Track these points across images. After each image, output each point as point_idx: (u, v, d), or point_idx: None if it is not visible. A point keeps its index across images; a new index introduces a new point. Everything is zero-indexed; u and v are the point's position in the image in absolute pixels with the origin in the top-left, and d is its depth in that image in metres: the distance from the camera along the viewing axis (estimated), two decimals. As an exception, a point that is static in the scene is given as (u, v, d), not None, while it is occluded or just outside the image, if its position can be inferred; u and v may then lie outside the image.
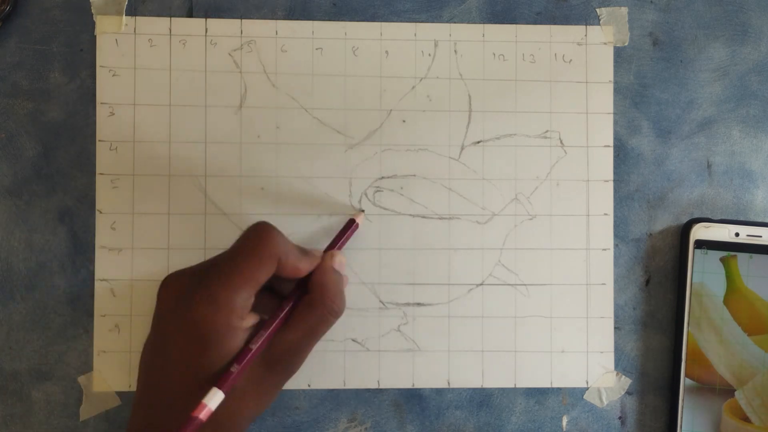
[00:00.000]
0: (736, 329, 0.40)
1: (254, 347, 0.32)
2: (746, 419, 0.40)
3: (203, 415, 0.30)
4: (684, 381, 0.41)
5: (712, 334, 0.40)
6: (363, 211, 0.41)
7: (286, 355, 0.34)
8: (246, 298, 0.32)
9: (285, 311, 0.34)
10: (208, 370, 0.32)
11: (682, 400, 0.41)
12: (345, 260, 0.37)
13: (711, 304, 0.41)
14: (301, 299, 0.35)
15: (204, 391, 0.31)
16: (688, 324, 0.41)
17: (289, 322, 0.34)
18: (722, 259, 0.41)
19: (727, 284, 0.41)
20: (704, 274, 0.41)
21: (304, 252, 0.35)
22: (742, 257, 0.41)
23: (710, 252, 0.41)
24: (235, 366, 0.32)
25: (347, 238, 0.39)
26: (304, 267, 0.35)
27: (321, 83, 0.41)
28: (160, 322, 0.34)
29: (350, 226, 0.39)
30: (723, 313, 0.40)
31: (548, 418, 0.42)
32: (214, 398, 0.31)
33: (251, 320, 0.33)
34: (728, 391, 0.41)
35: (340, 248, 0.38)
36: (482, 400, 0.41)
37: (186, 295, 0.32)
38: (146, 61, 0.41)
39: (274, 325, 0.34)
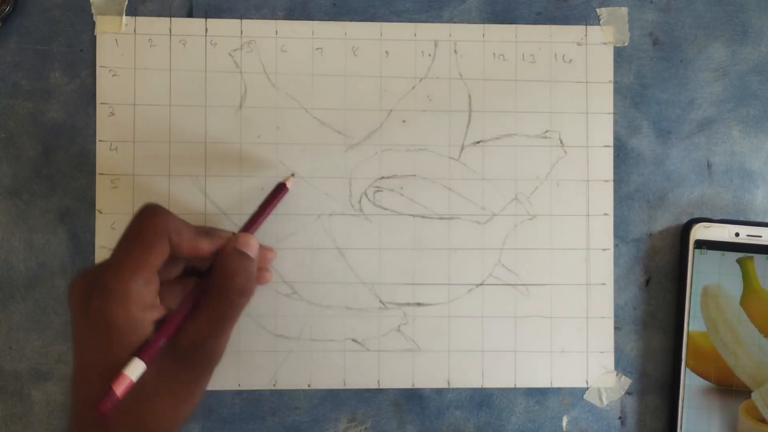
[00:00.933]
0: (753, 330, 0.40)
1: (162, 338, 0.31)
2: (763, 420, 0.40)
3: (124, 386, 0.30)
4: (684, 381, 0.41)
5: (728, 336, 0.40)
6: (293, 175, 0.40)
7: (195, 345, 0.32)
8: (142, 285, 0.31)
9: (189, 298, 0.33)
10: (115, 361, 0.31)
11: (682, 400, 0.41)
12: (254, 242, 0.34)
13: (728, 305, 0.40)
14: (206, 285, 0.33)
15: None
16: (688, 324, 0.41)
17: (198, 311, 0.33)
18: (739, 261, 0.41)
19: (744, 286, 0.41)
20: (721, 276, 0.41)
21: (205, 232, 0.34)
22: (759, 259, 0.40)
23: (710, 252, 0.41)
24: (158, 336, 0.31)
25: (274, 205, 0.37)
26: (205, 247, 0.33)
27: (321, 83, 0.41)
28: (72, 321, 0.33)
29: (279, 191, 0.38)
30: (740, 315, 0.40)
31: (548, 418, 0.42)
32: (136, 369, 0.30)
33: (158, 312, 0.32)
34: (745, 393, 0.41)
35: (267, 215, 0.37)
36: (482, 400, 0.41)
37: (85, 291, 0.31)
38: (146, 61, 0.41)
39: (177, 312, 0.32)
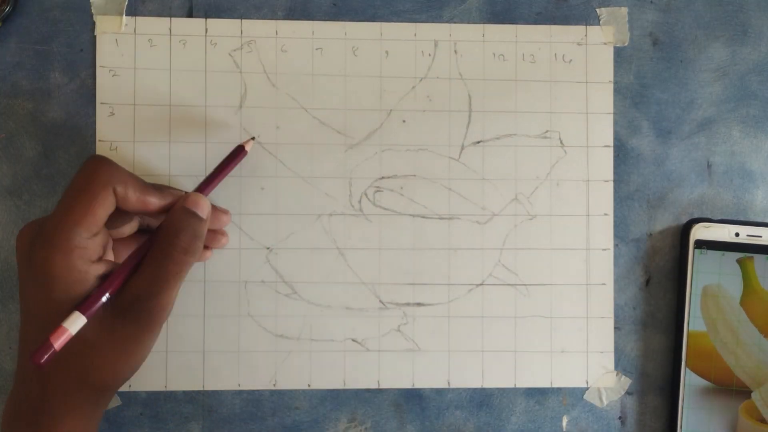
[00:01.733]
0: (753, 331, 0.40)
1: (102, 290, 0.31)
2: (763, 420, 0.40)
3: (63, 339, 0.30)
4: (684, 381, 0.41)
5: (728, 336, 0.40)
6: (254, 138, 0.40)
7: (138, 301, 0.32)
8: (86, 237, 0.31)
9: (135, 254, 0.33)
10: (57, 313, 0.31)
11: (682, 400, 0.41)
12: (205, 203, 0.34)
13: (728, 305, 0.41)
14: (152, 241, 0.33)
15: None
16: (688, 324, 0.41)
17: (142, 267, 0.32)
18: (739, 261, 0.41)
19: (744, 286, 0.41)
20: (721, 276, 0.41)
21: (156, 188, 0.34)
22: (759, 259, 0.40)
23: (710, 252, 0.41)
24: (99, 291, 0.31)
25: (231, 168, 0.37)
26: (154, 201, 0.33)
27: (321, 83, 0.41)
28: (18, 272, 0.33)
29: (237, 153, 0.38)
30: (740, 315, 0.41)
31: (548, 418, 0.42)
32: (76, 322, 0.30)
33: (104, 267, 0.32)
34: (745, 393, 0.41)
35: (221, 177, 0.37)
36: (482, 400, 0.41)
37: (30, 241, 0.31)
38: (146, 61, 0.41)
39: (122, 267, 0.32)
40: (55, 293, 0.31)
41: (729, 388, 0.41)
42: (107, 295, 0.31)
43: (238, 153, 0.38)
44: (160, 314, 0.33)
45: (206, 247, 0.38)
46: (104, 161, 0.32)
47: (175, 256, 0.32)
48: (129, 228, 0.35)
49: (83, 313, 0.31)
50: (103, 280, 0.32)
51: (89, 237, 0.31)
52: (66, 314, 0.31)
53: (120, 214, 0.33)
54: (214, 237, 0.38)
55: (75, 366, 0.32)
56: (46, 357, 0.30)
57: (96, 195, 0.31)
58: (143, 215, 0.35)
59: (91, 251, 0.31)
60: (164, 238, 0.33)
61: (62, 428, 0.32)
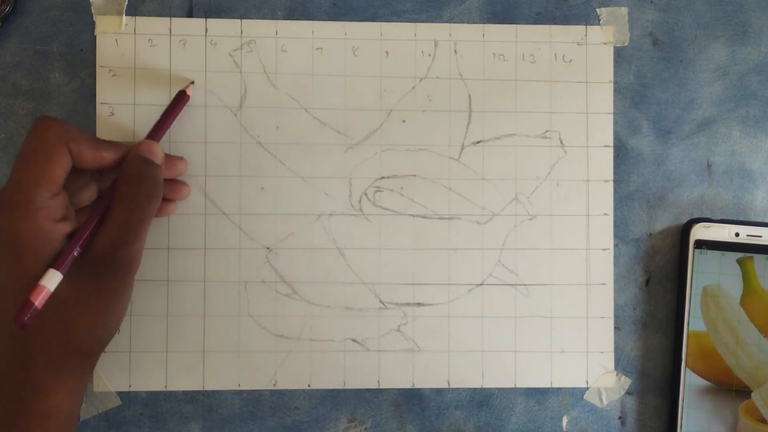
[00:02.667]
0: (753, 330, 0.40)
1: (76, 248, 0.31)
2: (763, 420, 0.40)
3: (42, 296, 0.30)
4: (684, 381, 0.41)
5: (728, 336, 0.40)
6: (193, 82, 0.40)
7: (109, 253, 0.32)
8: (48, 197, 0.31)
9: (98, 208, 0.33)
10: (30, 276, 0.31)
11: (683, 400, 0.41)
12: (158, 148, 0.35)
13: (728, 305, 0.41)
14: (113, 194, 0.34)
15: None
16: (689, 324, 0.41)
17: (106, 220, 0.33)
18: (739, 261, 0.41)
19: (744, 286, 0.41)
20: (721, 276, 0.41)
21: (104, 141, 0.34)
22: (759, 259, 0.40)
23: (710, 252, 0.41)
24: (70, 246, 0.31)
25: (176, 115, 0.38)
26: (108, 155, 0.33)
27: (321, 83, 0.41)
28: None
29: (180, 99, 0.38)
30: (740, 315, 0.41)
31: (548, 418, 0.42)
32: (50, 279, 0.30)
33: (69, 225, 0.32)
34: (745, 393, 0.41)
35: (169, 123, 0.37)
36: (482, 400, 0.41)
37: None
38: (146, 61, 0.41)
39: (87, 221, 0.33)
40: (25, 256, 0.31)
41: (729, 388, 0.41)
42: (78, 249, 0.32)
43: (180, 98, 0.38)
44: (132, 263, 0.33)
45: (169, 200, 0.39)
46: (54, 121, 0.32)
47: (139, 204, 0.33)
48: (89, 194, 0.36)
49: (58, 269, 0.31)
50: (70, 239, 0.32)
51: (50, 197, 0.31)
52: (39, 275, 0.31)
53: (77, 177, 0.34)
54: (174, 187, 0.39)
55: (55, 330, 0.32)
56: (28, 316, 0.30)
57: (51, 154, 0.31)
58: (100, 171, 0.36)
59: (55, 210, 0.31)
60: (125, 187, 0.33)
61: (48, 402, 0.32)
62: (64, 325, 0.32)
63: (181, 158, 0.39)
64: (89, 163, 0.33)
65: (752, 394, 0.41)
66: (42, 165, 0.31)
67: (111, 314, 0.33)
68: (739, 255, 0.41)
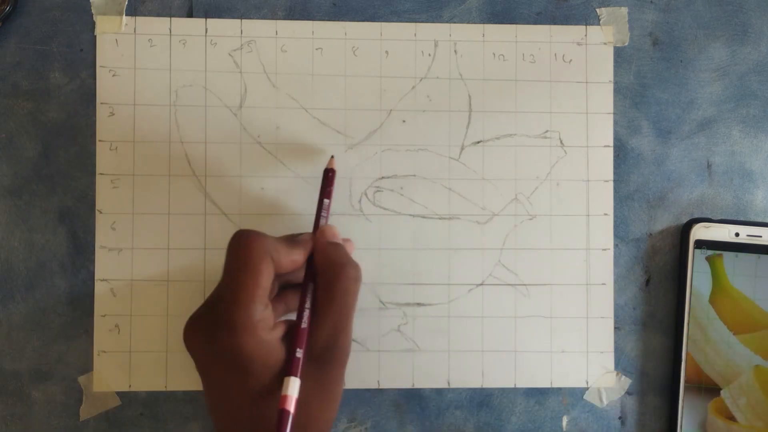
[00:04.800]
0: (722, 328, 0.41)
1: (299, 349, 0.32)
2: (732, 418, 0.40)
3: (290, 404, 0.30)
4: (684, 381, 0.41)
5: (698, 333, 0.41)
6: (333, 156, 0.40)
7: (330, 344, 0.33)
8: (261, 310, 0.31)
9: (307, 303, 0.34)
10: (260, 388, 0.31)
11: (683, 400, 0.41)
12: (336, 230, 0.35)
13: (697, 303, 0.41)
14: (317, 285, 0.34)
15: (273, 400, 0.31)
16: (689, 324, 0.41)
17: (318, 312, 0.33)
18: (708, 258, 0.41)
19: (713, 283, 0.41)
20: (691, 273, 0.41)
21: (294, 242, 0.34)
22: (728, 256, 0.41)
23: (710, 252, 0.41)
24: (298, 351, 0.32)
25: (331, 192, 0.38)
26: (299, 258, 0.34)
27: (321, 83, 0.41)
28: (202, 370, 0.33)
29: (329, 177, 0.38)
30: (709, 312, 0.41)
31: (548, 418, 0.42)
32: (293, 386, 0.31)
33: (281, 329, 0.33)
34: (714, 390, 0.41)
35: (329, 205, 0.37)
36: (482, 400, 0.41)
37: (208, 330, 0.32)
38: (146, 61, 0.41)
39: (297, 320, 0.33)
40: (254, 371, 0.31)
41: (698, 386, 0.41)
42: (300, 351, 0.32)
43: (329, 176, 0.38)
44: (347, 351, 0.34)
45: None
46: (254, 234, 0.33)
47: (348, 288, 0.33)
48: (273, 291, 0.36)
49: (295, 375, 0.31)
50: (286, 341, 0.33)
51: (264, 309, 0.32)
52: (271, 385, 0.31)
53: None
54: None
55: (295, 428, 0.32)
56: (289, 424, 0.30)
57: (260, 269, 0.32)
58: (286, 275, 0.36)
59: (269, 320, 0.32)
60: (331, 275, 0.33)
61: None
62: (301, 426, 0.32)
63: (348, 240, 0.39)
64: (286, 269, 0.33)
65: (721, 392, 0.41)
66: (253, 279, 0.31)
67: (335, 401, 0.34)
68: (709, 252, 0.41)
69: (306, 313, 0.33)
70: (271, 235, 0.33)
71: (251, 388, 0.31)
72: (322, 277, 0.34)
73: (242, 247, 0.32)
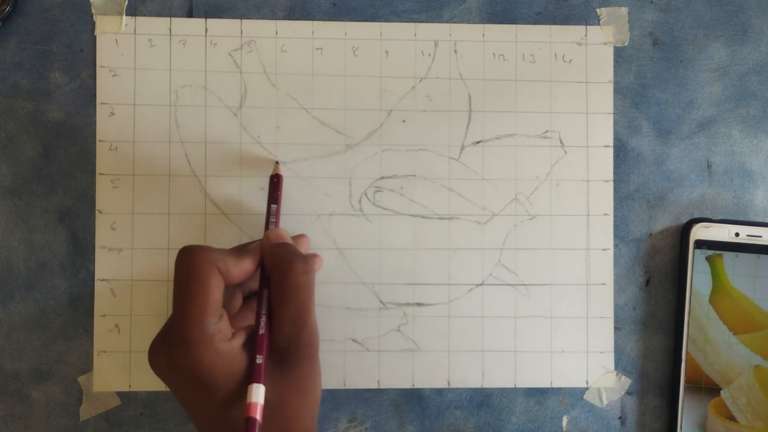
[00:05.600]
0: (722, 328, 0.41)
1: (259, 356, 0.32)
2: (732, 418, 0.40)
3: (256, 412, 0.30)
4: (684, 381, 0.41)
5: (698, 333, 0.41)
6: (277, 162, 0.40)
7: (292, 342, 0.33)
8: (215, 323, 0.31)
9: (263, 309, 0.34)
10: (228, 397, 0.31)
11: (683, 400, 0.41)
12: (283, 232, 0.35)
13: (697, 303, 0.41)
14: (270, 288, 0.34)
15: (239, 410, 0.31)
16: (689, 324, 0.41)
17: (275, 313, 0.33)
18: (708, 258, 0.41)
19: (713, 283, 0.41)
20: (691, 273, 0.41)
21: (242, 251, 0.34)
22: (728, 256, 0.41)
23: (710, 252, 0.41)
24: (258, 357, 0.32)
25: (279, 198, 0.38)
26: (249, 266, 0.34)
27: (321, 83, 0.41)
28: (172, 389, 0.33)
29: (275, 183, 0.38)
30: (709, 312, 0.41)
31: (548, 418, 0.42)
32: (257, 393, 0.31)
33: (241, 337, 0.33)
34: (714, 390, 0.41)
35: (278, 210, 0.38)
36: (482, 400, 0.41)
37: (167, 351, 0.32)
38: (146, 61, 0.41)
39: (257, 325, 0.33)
40: (217, 383, 0.31)
41: (698, 386, 0.41)
42: (260, 357, 0.32)
43: (276, 184, 0.39)
44: (314, 341, 0.33)
45: None
46: (197, 248, 0.32)
47: (299, 283, 0.33)
48: (237, 302, 0.36)
49: (258, 382, 0.31)
50: (247, 346, 0.33)
51: (217, 321, 0.32)
52: (238, 392, 0.31)
53: (226, 292, 0.34)
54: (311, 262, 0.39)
55: (274, 424, 0.32)
56: (256, 431, 0.30)
57: (206, 281, 0.32)
58: (244, 283, 0.36)
59: (225, 331, 0.32)
60: (280, 275, 0.33)
61: None
62: (280, 422, 0.32)
63: (302, 236, 0.39)
64: (238, 278, 0.33)
65: (721, 392, 0.41)
66: (201, 293, 0.31)
67: (313, 394, 0.34)
68: (709, 252, 0.41)
69: (263, 319, 0.33)
70: (219, 247, 0.33)
71: (221, 399, 0.32)
72: (273, 279, 0.33)
73: (187, 263, 0.32)
